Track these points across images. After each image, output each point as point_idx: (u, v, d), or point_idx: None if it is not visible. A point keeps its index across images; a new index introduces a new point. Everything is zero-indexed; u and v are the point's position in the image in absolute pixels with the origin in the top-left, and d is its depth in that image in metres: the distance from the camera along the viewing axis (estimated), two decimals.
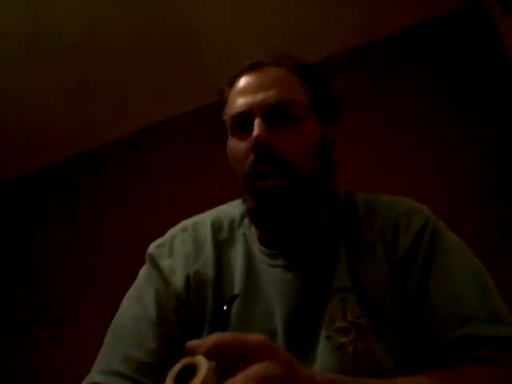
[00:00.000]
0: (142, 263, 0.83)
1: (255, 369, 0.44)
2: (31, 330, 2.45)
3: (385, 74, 2.17)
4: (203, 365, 0.44)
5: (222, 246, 0.81)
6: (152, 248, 0.83)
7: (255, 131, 0.72)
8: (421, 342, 0.68)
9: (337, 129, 0.84)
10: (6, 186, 2.87)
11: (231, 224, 0.84)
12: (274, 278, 0.76)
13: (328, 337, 0.70)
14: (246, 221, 0.83)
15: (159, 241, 0.85)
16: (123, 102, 2.43)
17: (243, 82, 0.79)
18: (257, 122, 0.73)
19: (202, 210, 0.90)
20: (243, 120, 0.76)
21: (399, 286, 0.72)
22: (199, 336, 0.74)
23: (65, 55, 2.13)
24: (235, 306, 0.74)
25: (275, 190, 0.71)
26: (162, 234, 0.87)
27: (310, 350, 0.71)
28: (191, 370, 0.44)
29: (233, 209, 0.87)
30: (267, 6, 2.03)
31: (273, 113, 0.74)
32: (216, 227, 0.83)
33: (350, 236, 0.77)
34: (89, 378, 0.71)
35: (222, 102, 0.83)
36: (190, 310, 0.76)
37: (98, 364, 0.73)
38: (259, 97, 0.75)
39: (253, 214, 0.76)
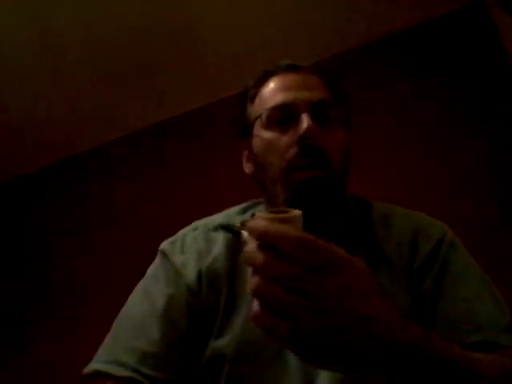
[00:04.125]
0: (144, 262, 0.83)
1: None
2: (31, 329, 2.45)
3: (384, 74, 2.16)
4: (298, 211, 0.46)
5: (232, 246, 0.81)
6: (164, 245, 0.84)
7: (305, 123, 0.74)
8: None
9: None
10: (6, 186, 2.86)
11: (242, 224, 0.84)
12: None
13: None
14: None
15: (171, 239, 0.85)
16: (123, 102, 2.43)
17: (282, 80, 0.82)
18: (305, 116, 0.75)
19: (202, 210, 0.90)
20: (285, 113, 0.78)
21: (416, 291, 0.73)
22: (210, 330, 0.74)
23: (64, 55, 2.13)
24: (246, 301, 0.74)
25: (318, 180, 0.73)
26: (164, 233, 0.87)
27: None
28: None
29: (240, 212, 0.88)
30: (268, 7, 2.03)
31: (316, 111, 0.77)
32: (226, 225, 0.84)
33: (366, 244, 0.78)
34: (90, 366, 0.71)
35: (245, 99, 0.85)
36: (202, 303, 0.76)
37: (101, 353, 0.73)
38: (303, 94, 0.78)
39: (288, 205, 0.75)
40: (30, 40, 2.03)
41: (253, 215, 0.86)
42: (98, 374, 0.70)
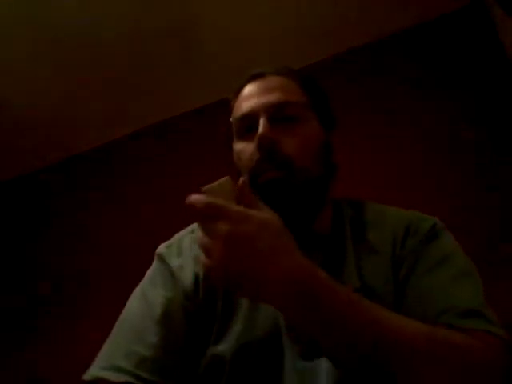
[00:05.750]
0: (143, 262, 0.83)
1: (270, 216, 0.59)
2: (31, 329, 2.46)
3: (384, 74, 2.17)
4: (226, 178, 0.61)
5: None
6: (161, 248, 0.84)
7: (260, 129, 0.76)
8: None
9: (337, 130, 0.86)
10: (6, 186, 2.86)
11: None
12: None
13: None
14: None
15: (168, 242, 0.85)
16: (123, 102, 2.43)
17: (247, 89, 0.84)
18: (261, 122, 0.76)
19: None
20: (248, 122, 0.80)
21: (396, 282, 0.74)
22: (208, 334, 0.74)
23: (64, 56, 2.13)
24: (243, 306, 0.75)
25: (275, 182, 0.74)
26: (163, 233, 0.87)
27: (314, 349, 0.71)
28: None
29: None
30: (268, 7, 2.03)
31: (275, 113, 0.78)
32: None
33: (357, 241, 0.79)
34: (89, 372, 0.71)
35: (228, 111, 0.88)
36: (198, 307, 0.76)
37: (100, 358, 0.73)
38: (262, 99, 0.80)
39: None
40: (31, 39, 2.03)
41: None
42: (97, 380, 0.70)
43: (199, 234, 0.59)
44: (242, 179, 0.61)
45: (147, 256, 0.87)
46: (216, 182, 0.60)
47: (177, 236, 0.87)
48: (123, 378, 0.68)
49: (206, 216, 0.57)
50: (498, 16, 1.90)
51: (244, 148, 0.79)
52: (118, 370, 0.69)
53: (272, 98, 0.79)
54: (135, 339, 0.72)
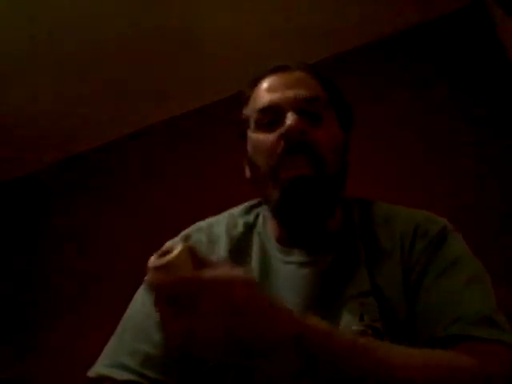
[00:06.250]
0: (143, 262, 0.83)
1: (230, 271, 0.49)
2: (31, 329, 2.46)
3: (384, 74, 2.16)
4: (179, 246, 0.51)
5: (236, 245, 0.81)
6: (167, 247, 0.84)
7: (289, 121, 0.73)
8: (417, 338, 0.69)
9: None
10: (6, 186, 2.86)
11: (246, 223, 0.84)
12: (288, 274, 0.76)
13: None
14: (260, 220, 0.84)
15: (174, 240, 0.85)
16: (123, 102, 2.43)
17: (270, 81, 0.81)
18: (290, 114, 0.74)
19: (202, 210, 0.90)
20: (271, 115, 0.77)
21: (407, 287, 0.72)
22: None
23: (65, 56, 2.13)
24: None
25: (305, 180, 0.72)
26: (163, 233, 0.87)
27: None
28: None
29: (244, 211, 0.88)
30: (268, 7, 2.03)
31: (302, 108, 0.76)
32: (231, 225, 0.84)
33: (368, 242, 0.78)
34: (94, 369, 0.72)
35: (241, 102, 0.85)
36: None
37: (105, 356, 0.73)
38: (289, 93, 0.77)
39: (278, 206, 0.75)
40: (30, 39, 2.02)
41: (257, 216, 0.86)
42: (101, 378, 0.70)
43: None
44: (186, 245, 0.53)
45: (147, 256, 0.87)
46: (173, 254, 0.51)
47: (182, 234, 0.86)
48: (127, 376, 0.68)
49: (175, 295, 0.48)
50: (498, 16, 1.90)
51: (264, 139, 0.76)
52: (123, 367, 0.69)
53: (299, 92, 0.77)
54: (140, 337, 0.72)
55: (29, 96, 2.32)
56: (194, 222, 0.90)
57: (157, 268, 0.50)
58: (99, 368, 0.71)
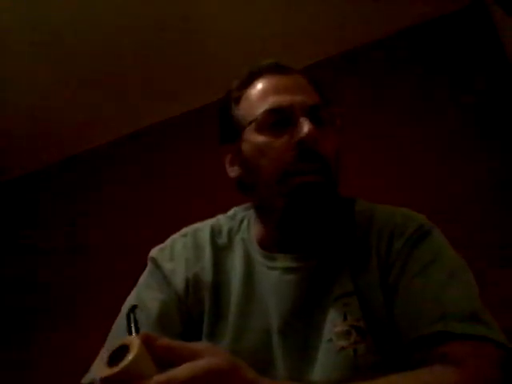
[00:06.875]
0: (142, 264, 0.83)
1: (197, 362, 0.43)
2: (31, 328, 2.46)
3: (384, 74, 2.16)
4: (136, 344, 0.41)
5: (220, 251, 0.82)
6: (154, 252, 0.84)
7: (306, 127, 0.72)
8: (399, 338, 0.68)
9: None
10: (6, 186, 2.86)
11: (230, 230, 0.85)
12: (272, 279, 0.76)
13: (329, 340, 0.70)
14: (244, 225, 0.84)
15: (160, 245, 0.86)
16: (123, 102, 2.43)
17: (272, 82, 0.79)
18: (305, 120, 0.73)
19: (202, 210, 0.90)
20: (280, 117, 0.75)
21: (385, 288, 0.72)
22: (199, 337, 0.75)
23: (65, 57, 2.13)
24: (233, 307, 0.75)
25: (316, 186, 0.72)
26: (162, 233, 0.88)
27: (307, 351, 0.71)
28: (126, 350, 0.41)
29: (229, 217, 0.88)
30: (268, 5, 2.03)
31: (312, 114, 0.75)
32: (215, 232, 0.84)
33: (350, 242, 0.77)
34: (88, 376, 0.72)
35: (228, 102, 0.82)
36: (189, 311, 0.77)
37: (98, 362, 0.72)
38: (298, 97, 0.76)
39: (285, 212, 0.74)
40: (32, 40, 2.03)
41: (241, 221, 0.85)
42: None
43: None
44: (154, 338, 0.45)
45: (147, 256, 0.87)
46: (128, 357, 0.40)
47: (170, 239, 0.87)
48: None
49: None
50: (498, 16, 1.90)
51: (272, 142, 0.74)
52: None
53: (308, 98, 0.76)
54: None
55: (28, 96, 2.32)
56: (193, 221, 0.90)
57: (109, 379, 0.39)
58: (92, 375, 0.71)
